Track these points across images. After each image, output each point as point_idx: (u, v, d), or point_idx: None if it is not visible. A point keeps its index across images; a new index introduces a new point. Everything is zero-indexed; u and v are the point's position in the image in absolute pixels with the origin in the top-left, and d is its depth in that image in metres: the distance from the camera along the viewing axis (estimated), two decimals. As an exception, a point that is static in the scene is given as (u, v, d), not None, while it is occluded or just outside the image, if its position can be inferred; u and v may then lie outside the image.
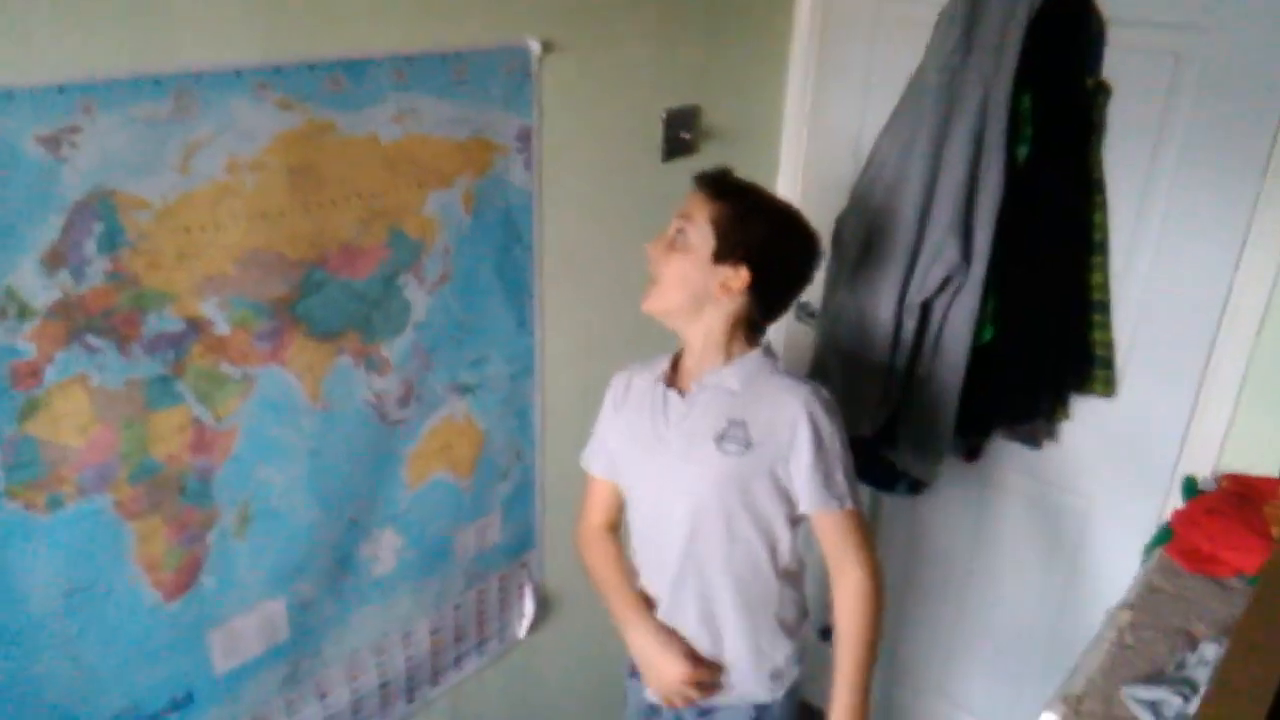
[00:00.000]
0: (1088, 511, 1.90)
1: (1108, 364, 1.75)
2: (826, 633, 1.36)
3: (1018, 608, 2.07)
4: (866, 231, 1.71)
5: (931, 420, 1.75)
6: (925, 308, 1.67)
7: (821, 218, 1.94)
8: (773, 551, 1.38)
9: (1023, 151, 1.61)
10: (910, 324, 1.68)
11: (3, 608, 1.12)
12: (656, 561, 1.45)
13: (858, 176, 1.80)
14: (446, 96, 1.38)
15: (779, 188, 2.15)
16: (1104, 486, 1.86)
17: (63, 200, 1.04)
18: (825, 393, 1.36)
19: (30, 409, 1.08)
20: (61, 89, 1.01)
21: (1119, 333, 1.74)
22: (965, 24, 1.57)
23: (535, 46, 1.48)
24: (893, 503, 2.15)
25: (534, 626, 1.86)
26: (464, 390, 1.57)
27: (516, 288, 1.60)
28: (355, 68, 1.26)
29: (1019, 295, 1.67)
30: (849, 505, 1.35)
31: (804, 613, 1.48)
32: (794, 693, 1.48)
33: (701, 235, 1.31)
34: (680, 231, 1.33)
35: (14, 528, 1.10)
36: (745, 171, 2.00)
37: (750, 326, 1.38)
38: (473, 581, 1.72)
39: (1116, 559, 1.82)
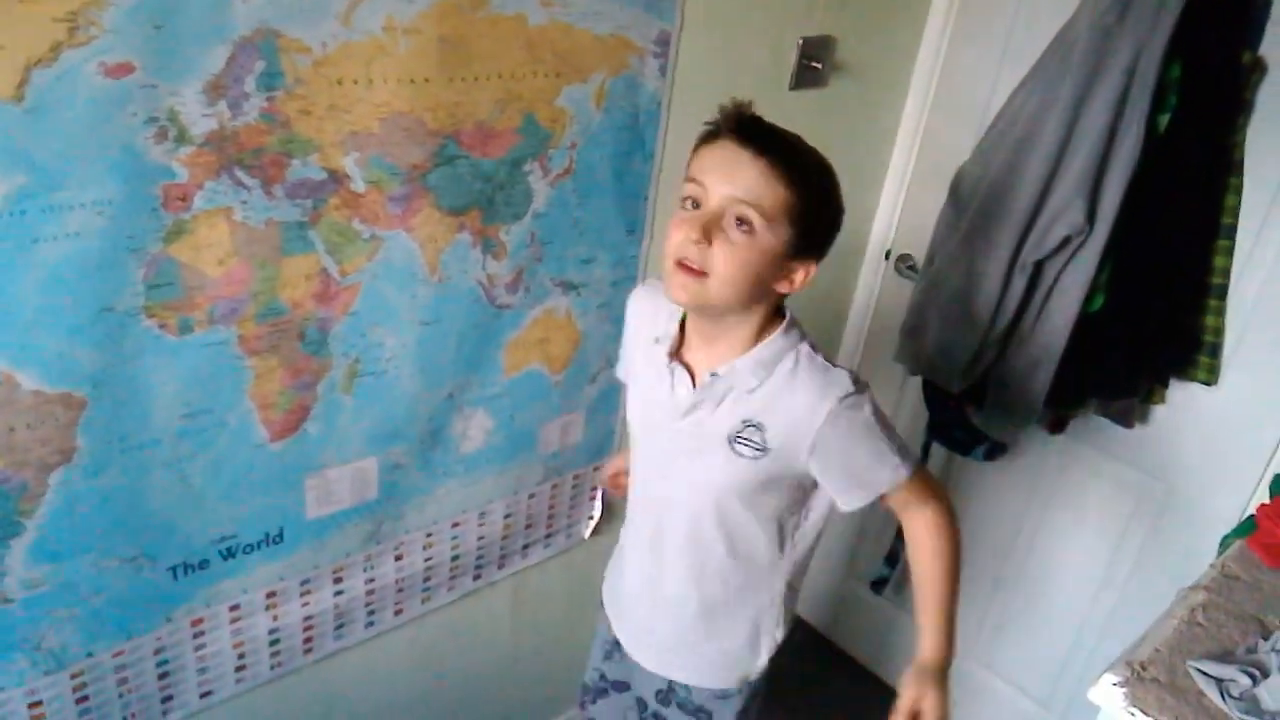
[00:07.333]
0: (1168, 498, 1.88)
1: (1215, 351, 1.71)
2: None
3: (1078, 587, 2.06)
4: (989, 185, 1.68)
5: (1024, 383, 1.73)
6: (1038, 268, 1.65)
7: (940, 167, 1.93)
8: (779, 541, 1.32)
9: (1163, 121, 1.56)
10: (1020, 282, 1.65)
11: (128, 417, 1.18)
12: (643, 519, 1.42)
13: (986, 130, 1.77)
14: (595, -13, 1.39)
15: (900, 135, 2.12)
16: (1189, 475, 1.83)
17: (230, 33, 1.07)
18: (848, 382, 1.18)
19: (176, 232, 1.12)
20: (244, -78, 1.04)
21: (1231, 321, 1.70)
22: (1126, -19, 1.52)
23: (687, -49, 1.47)
24: (965, 463, 2.14)
25: (598, 530, 1.91)
26: (569, 287, 1.60)
27: (632, 193, 1.61)
28: (515, -55, 1.28)
29: (1136, 268, 1.63)
30: (901, 480, 1.22)
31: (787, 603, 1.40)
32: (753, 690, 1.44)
33: (774, 230, 1.10)
34: (743, 221, 1.09)
35: (147, 343, 1.16)
36: (869, 112, 2.01)
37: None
38: (550, 475, 1.77)
39: (1191, 548, 1.80)
